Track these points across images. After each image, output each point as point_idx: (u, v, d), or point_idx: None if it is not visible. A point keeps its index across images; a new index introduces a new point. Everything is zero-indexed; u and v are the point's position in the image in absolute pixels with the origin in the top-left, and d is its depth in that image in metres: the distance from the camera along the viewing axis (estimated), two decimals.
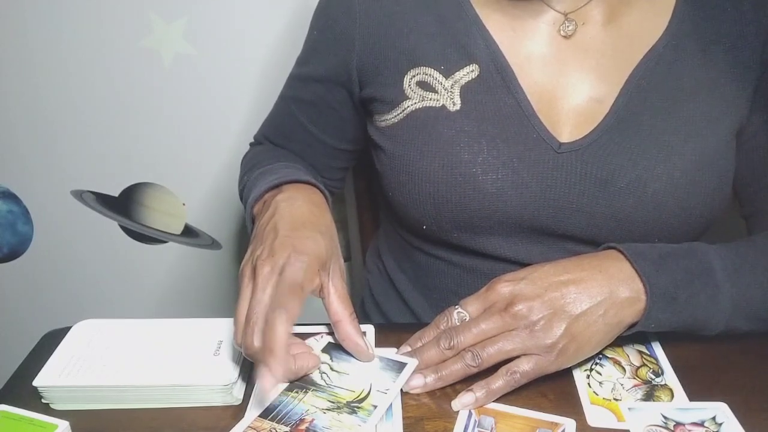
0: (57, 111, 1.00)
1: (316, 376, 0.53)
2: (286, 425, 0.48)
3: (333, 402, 0.51)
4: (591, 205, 0.61)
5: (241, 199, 0.74)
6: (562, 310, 0.53)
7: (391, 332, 0.60)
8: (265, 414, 0.50)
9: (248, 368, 0.56)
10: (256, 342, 0.49)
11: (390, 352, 0.56)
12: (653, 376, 0.56)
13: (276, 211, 0.58)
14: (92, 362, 0.54)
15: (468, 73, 0.63)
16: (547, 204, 0.62)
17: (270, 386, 0.47)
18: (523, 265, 0.59)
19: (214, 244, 1.12)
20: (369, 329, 0.59)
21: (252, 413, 0.50)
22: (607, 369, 0.57)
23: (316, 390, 0.52)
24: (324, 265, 0.53)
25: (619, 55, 0.62)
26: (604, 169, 0.60)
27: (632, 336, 0.56)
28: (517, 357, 0.52)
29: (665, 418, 0.51)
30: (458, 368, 0.53)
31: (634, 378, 0.55)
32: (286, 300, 0.49)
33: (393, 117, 0.66)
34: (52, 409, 0.53)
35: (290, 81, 0.76)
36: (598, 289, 0.54)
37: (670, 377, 0.55)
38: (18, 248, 1.13)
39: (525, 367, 0.52)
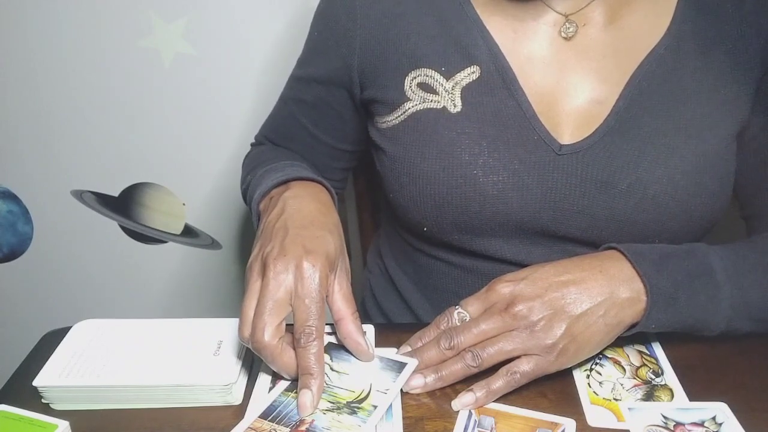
0: (57, 111, 1.00)
1: None
2: (286, 426, 0.48)
3: (333, 402, 0.51)
4: (592, 207, 0.61)
5: (245, 198, 0.74)
6: (562, 311, 0.53)
7: (392, 332, 0.60)
8: (265, 414, 0.50)
9: (248, 368, 0.56)
10: (266, 337, 0.49)
11: (390, 352, 0.56)
12: (653, 376, 0.56)
13: (284, 209, 0.58)
14: (92, 362, 0.54)
15: (469, 74, 0.63)
16: (548, 206, 0.62)
17: (311, 408, 0.49)
18: (523, 266, 0.58)
19: (214, 244, 1.12)
20: (369, 329, 0.59)
21: (252, 413, 0.50)
22: (607, 369, 0.57)
23: None
24: (332, 264, 0.54)
25: (619, 56, 0.62)
26: (604, 171, 0.60)
27: (632, 336, 0.56)
28: (518, 357, 0.52)
29: (665, 418, 0.51)
30: (458, 368, 0.53)
31: (634, 378, 0.55)
32: (311, 317, 0.50)
33: (394, 118, 0.66)
34: (52, 409, 0.53)
35: (291, 82, 0.76)
36: (598, 290, 0.54)
37: (670, 377, 0.55)
38: (18, 248, 1.13)
39: (525, 367, 0.52)
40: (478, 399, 0.51)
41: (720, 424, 0.50)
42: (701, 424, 0.50)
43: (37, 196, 1.08)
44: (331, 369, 0.54)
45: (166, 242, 1.12)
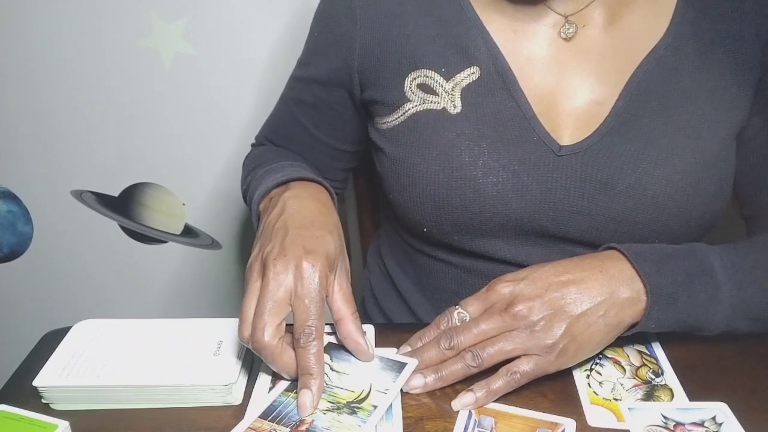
0: (57, 111, 1.00)
1: None
2: (286, 426, 0.48)
3: (333, 402, 0.51)
4: (591, 208, 0.61)
5: (245, 199, 0.74)
6: (562, 311, 0.53)
7: (392, 332, 0.60)
8: (265, 414, 0.50)
9: (248, 368, 0.56)
10: (266, 337, 0.49)
11: (390, 352, 0.56)
12: (653, 376, 0.56)
13: (285, 209, 0.58)
14: (92, 362, 0.54)
15: (469, 75, 0.63)
16: (548, 206, 0.62)
17: (311, 408, 0.49)
18: (523, 266, 0.58)
19: (214, 244, 1.12)
20: (369, 329, 0.59)
21: (252, 413, 0.50)
22: (607, 369, 0.57)
23: None
24: (332, 264, 0.54)
25: (619, 57, 0.62)
26: (604, 171, 0.60)
27: (632, 336, 0.56)
28: (518, 357, 0.52)
29: (665, 418, 0.51)
30: (458, 368, 0.53)
31: (634, 378, 0.55)
32: (311, 317, 0.50)
33: (394, 119, 0.66)
34: (52, 409, 0.53)
35: (291, 82, 0.76)
36: (598, 290, 0.54)
37: (670, 377, 0.55)
38: (18, 248, 1.13)
39: (525, 367, 0.52)
40: (478, 399, 0.51)
41: (720, 424, 0.50)
42: (701, 424, 0.50)
43: (37, 196, 1.08)
44: (331, 369, 0.54)
45: (166, 242, 1.12)
